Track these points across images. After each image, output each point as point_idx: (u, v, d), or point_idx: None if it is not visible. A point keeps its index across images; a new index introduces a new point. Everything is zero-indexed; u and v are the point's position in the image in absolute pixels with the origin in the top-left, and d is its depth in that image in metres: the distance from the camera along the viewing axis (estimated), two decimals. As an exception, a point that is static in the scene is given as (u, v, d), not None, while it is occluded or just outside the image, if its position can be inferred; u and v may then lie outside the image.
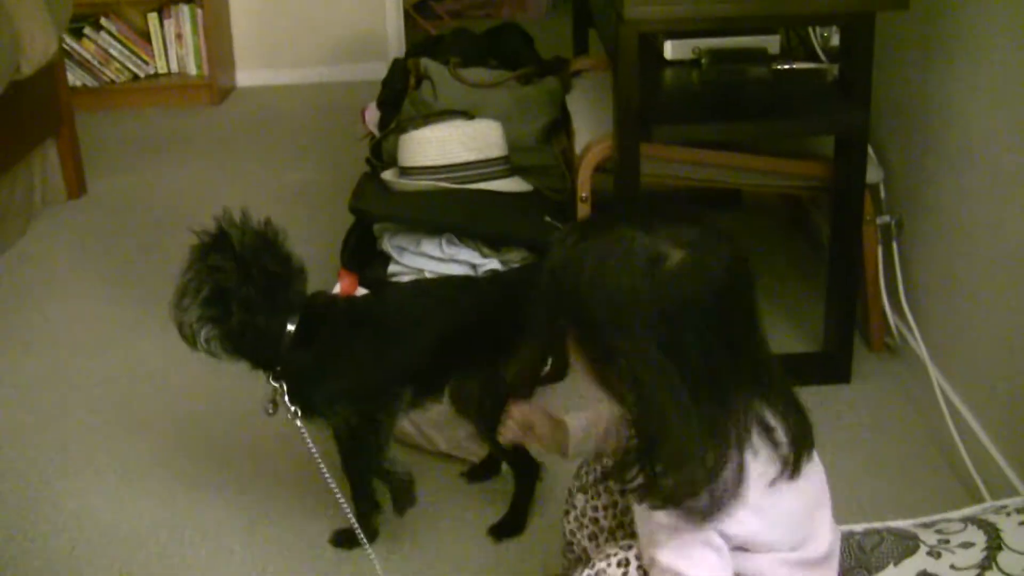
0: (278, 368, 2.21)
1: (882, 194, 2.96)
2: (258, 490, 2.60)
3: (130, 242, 3.88)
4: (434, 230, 2.88)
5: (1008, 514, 1.94)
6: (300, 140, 4.83)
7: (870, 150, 2.81)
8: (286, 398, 2.20)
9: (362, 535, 2.21)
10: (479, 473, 2.57)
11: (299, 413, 2.20)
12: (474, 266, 2.87)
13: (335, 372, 2.24)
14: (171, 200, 4.21)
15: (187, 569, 2.37)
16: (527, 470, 2.39)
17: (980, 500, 2.24)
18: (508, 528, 2.40)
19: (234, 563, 2.38)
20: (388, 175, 3.21)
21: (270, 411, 2.26)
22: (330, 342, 2.24)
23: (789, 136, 2.98)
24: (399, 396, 2.29)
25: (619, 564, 1.68)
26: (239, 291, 2.12)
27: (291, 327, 2.18)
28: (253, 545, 2.43)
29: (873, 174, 2.88)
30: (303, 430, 2.18)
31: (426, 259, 2.83)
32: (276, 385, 2.21)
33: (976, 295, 2.50)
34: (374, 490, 2.38)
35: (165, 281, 3.51)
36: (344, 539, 2.39)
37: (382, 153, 3.40)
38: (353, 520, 2.23)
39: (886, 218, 2.91)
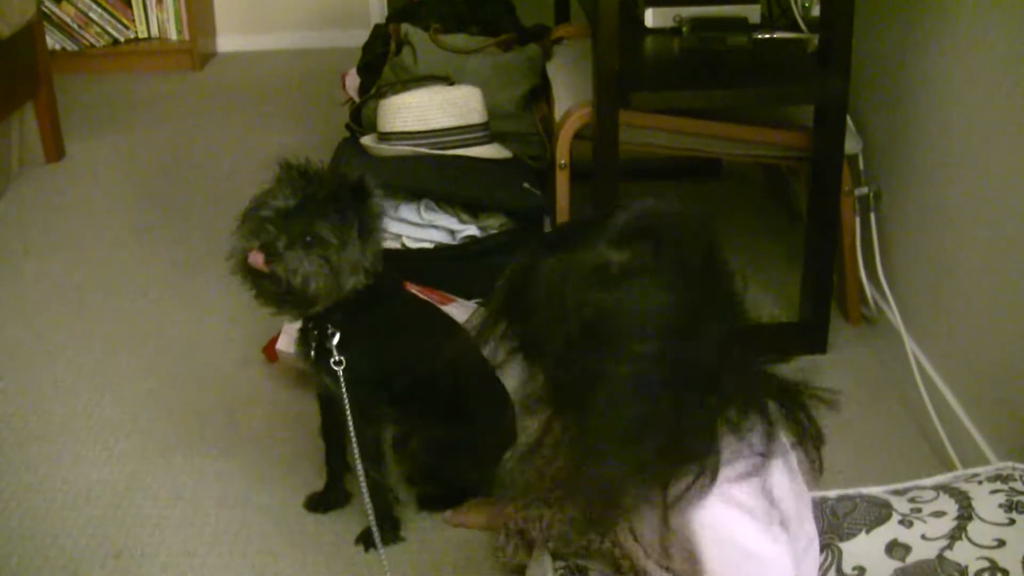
0: (338, 316, 2.15)
1: (861, 165, 2.97)
2: (233, 452, 2.60)
3: (107, 206, 3.86)
4: (413, 195, 2.87)
5: (980, 483, 1.95)
6: (280, 105, 4.82)
7: (849, 120, 2.81)
8: (335, 345, 2.14)
9: (377, 535, 2.18)
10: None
11: (343, 363, 2.14)
12: (452, 232, 2.86)
13: (376, 352, 2.20)
14: (150, 165, 4.19)
15: (161, 531, 2.37)
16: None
17: (952, 468, 2.25)
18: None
19: (208, 525, 2.38)
20: (367, 140, 3.20)
21: (311, 356, 2.20)
22: (386, 314, 2.20)
23: (768, 105, 2.98)
24: (374, 412, 2.27)
25: None
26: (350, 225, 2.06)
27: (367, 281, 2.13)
28: (227, 507, 2.43)
29: (852, 144, 2.88)
30: (343, 385, 2.14)
31: (404, 224, 2.83)
32: (326, 331, 2.16)
33: (952, 267, 2.51)
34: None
35: (141, 245, 3.54)
36: (365, 539, 2.33)
37: (362, 118, 3.39)
38: (371, 515, 2.18)
39: (864, 189, 2.91)
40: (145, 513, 2.42)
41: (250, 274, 2.08)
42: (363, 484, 2.16)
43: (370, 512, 2.16)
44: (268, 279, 2.06)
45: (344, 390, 2.13)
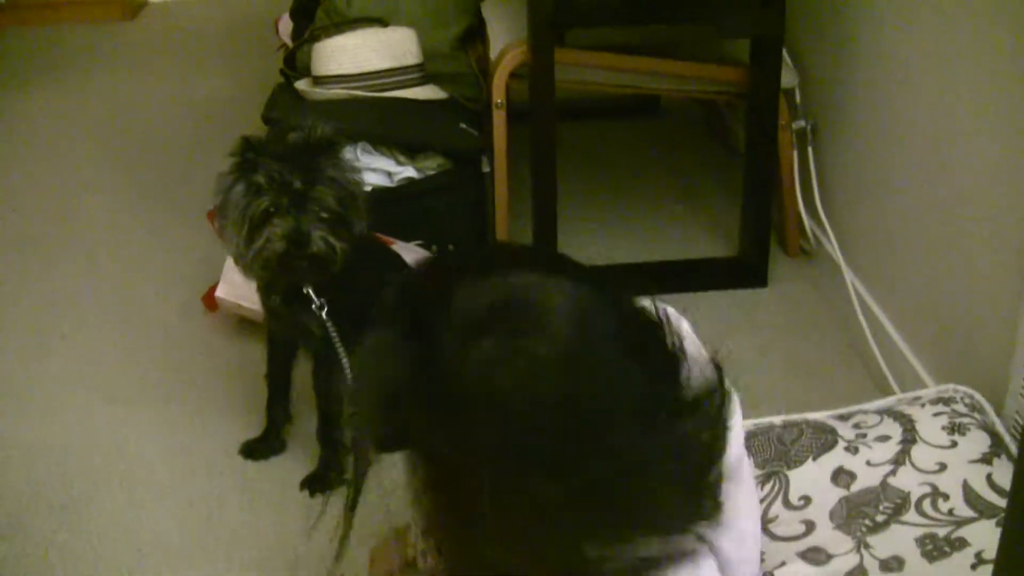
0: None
1: (797, 99, 2.97)
2: (175, 402, 2.58)
3: (42, 160, 3.81)
4: (349, 138, 2.84)
5: (923, 405, 1.97)
6: (214, 54, 4.76)
7: (785, 54, 2.81)
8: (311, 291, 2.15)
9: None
10: None
11: (325, 307, 2.14)
12: (390, 174, 2.85)
13: (349, 286, 2.18)
14: (84, 117, 4.13)
15: (106, 482, 2.36)
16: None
17: (892, 394, 2.27)
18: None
19: (155, 474, 2.38)
20: (302, 85, 3.17)
21: (277, 300, 2.20)
22: (355, 257, 2.18)
23: (704, 39, 2.98)
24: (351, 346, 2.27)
25: None
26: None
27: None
28: (171, 456, 2.42)
29: (788, 78, 2.88)
30: (331, 329, 2.13)
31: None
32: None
33: (888, 197, 2.52)
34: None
35: (77, 198, 3.50)
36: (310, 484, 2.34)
37: (296, 63, 3.36)
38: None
39: (802, 123, 2.92)
40: (89, 465, 2.41)
41: (282, 262, 2.07)
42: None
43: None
44: (304, 260, 2.07)
45: (332, 330, 2.13)
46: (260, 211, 2.03)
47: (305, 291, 2.14)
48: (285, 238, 2.03)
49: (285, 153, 2.06)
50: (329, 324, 2.13)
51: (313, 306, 2.13)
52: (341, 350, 2.13)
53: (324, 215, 2.05)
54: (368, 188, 2.80)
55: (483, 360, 1.08)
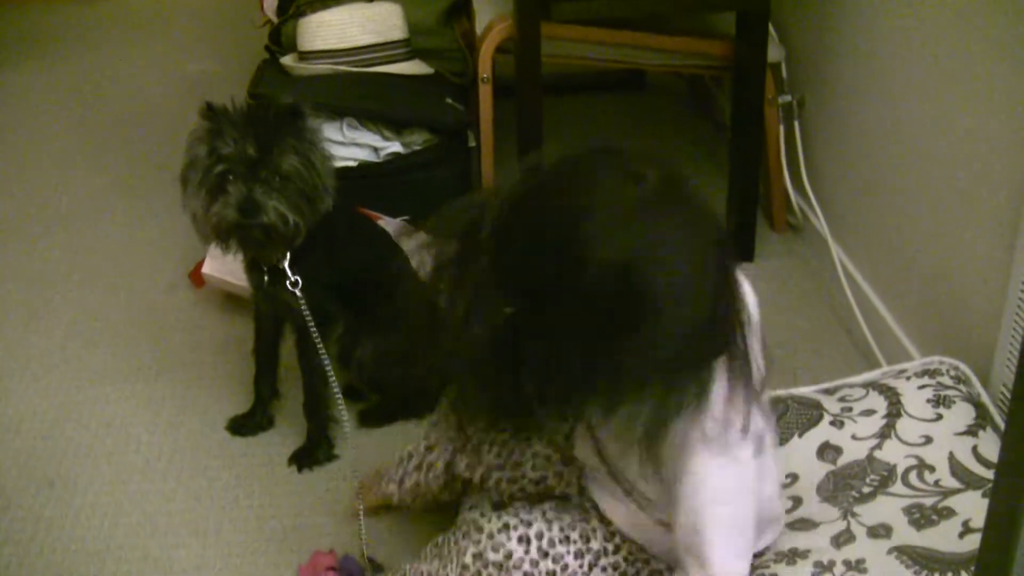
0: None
1: (784, 73, 2.97)
2: (162, 379, 2.58)
3: (24, 139, 3.79)
4: (335, 113, 2.83)
5: (908, 378, 1.98)
6: (198, 30, 4.73)
7: (771, 28, 2.80)
8: (286, 266, 2.13)
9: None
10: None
11: (300, 284, 2.13)
12: (376, 149, 2.84)
13: (323, 255, 2.19)
14: (66, 95, 4.10)
15: (94, 459, 2.36)
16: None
17: (879, 367, 2.27)
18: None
19: (141, 452, 2.37)
20: (288, 60, 3.16)
21: (265, 279, 2.19)
22: (328, 226, 2.18)
23: (691, 13, 2.97)
24: (337, 318, 2.28)
25: (520, 540, 1.67)
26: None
27: None
28: (158, 433, 2.42)
29: (775, 53, 2.88)
30: (302, 302, 2.12)
31: (327, 143, 2.79)
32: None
33: (875, 171, 2.52)
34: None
35: (61, 176, 3.49)
36: (298, 459, 2.35)
37: (281, 39, 3.34)
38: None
39: (788, 97, 2.92)
40: (76, 442, 2.40)
41: (236, 232, 2.06)
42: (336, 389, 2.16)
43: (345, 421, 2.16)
44: (257, 229, 2.05)
45: (304, 307, 2.13)
46: (215, 176, 2.03)
47: (280, 267, 2.13)
48: (236, 206, 2.02)
49: (245, 120, 2.05)
50: (302, 301, 2.12)
51: (288, 283, 2.13)
52: (314, 328, 2.13)
53: (278, 185, 2.03)
54: (353, 163, 2.81)
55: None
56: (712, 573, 1.47)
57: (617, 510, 1.69)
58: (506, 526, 1.67)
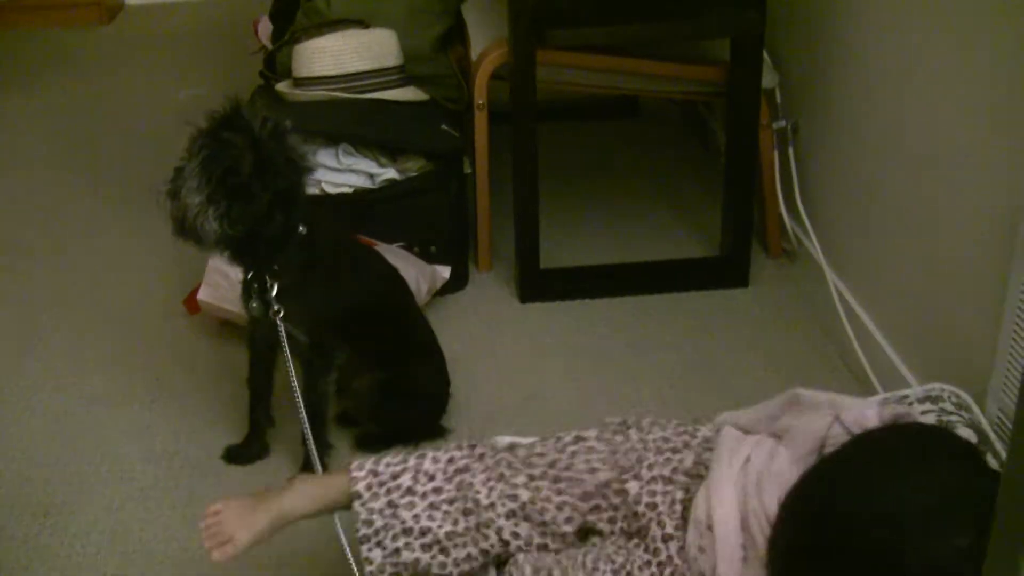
0: (275, 267, 2.13)
1: (778, 98, 2.98)
2: (157, 406, 2.57)
3: (21, 165, 3.79)
4: (330, 140, 2.84)
5: (911, 404, 1.97)
6: (193, 57, 4.74)
7: (765, 54, 2.81)
8: (273, 295, 2.12)
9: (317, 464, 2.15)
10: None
11: (282, 313, 2.11)
12: (371, 175, 2.84)
13: (321, 288, 2.20)
14: (64, 121, 4.11)
15: (89, 487, 2.35)
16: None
17: (874, 393, 2.27)
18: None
19: (135, 479, 2.37)
20: (282, 87, 3.16)
21: (254, 307, 2.18)
22: (326, 257, 2.19)
23: (685, 39, 2.98)
24: (338, 350, 2.28)
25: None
26: (260, 171, 2.01)
27: (303, 229, 2.12)
28: (153, 461, 2.41)
29: (769, 78, 2.89)
30: (282, 331, 2.11)
31: (323, 170, 2.79)
32: (264, 282, 2.14)
33: (870, 197, 2.53)
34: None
35: (57, 202, 3.49)
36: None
37: (276, 65, 3.35)
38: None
39: (782, 122, 2.93)
40: (71, 470, 2.40)
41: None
42: (305, 427, 2.11)
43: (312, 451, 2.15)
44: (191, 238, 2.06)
45: (283, 338, 2.11)
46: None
47: (267, 298, 2.13)
48: (171, 215, 2.04)
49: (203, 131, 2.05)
50: (281, 330, 2.11)
51: (270, 312, 2.12)
52: (289, 355, 2.11)
53: (198, 189, 2.01)
54: (349, 190, 2.81)
55: None
56: None
57: None
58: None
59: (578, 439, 1.77)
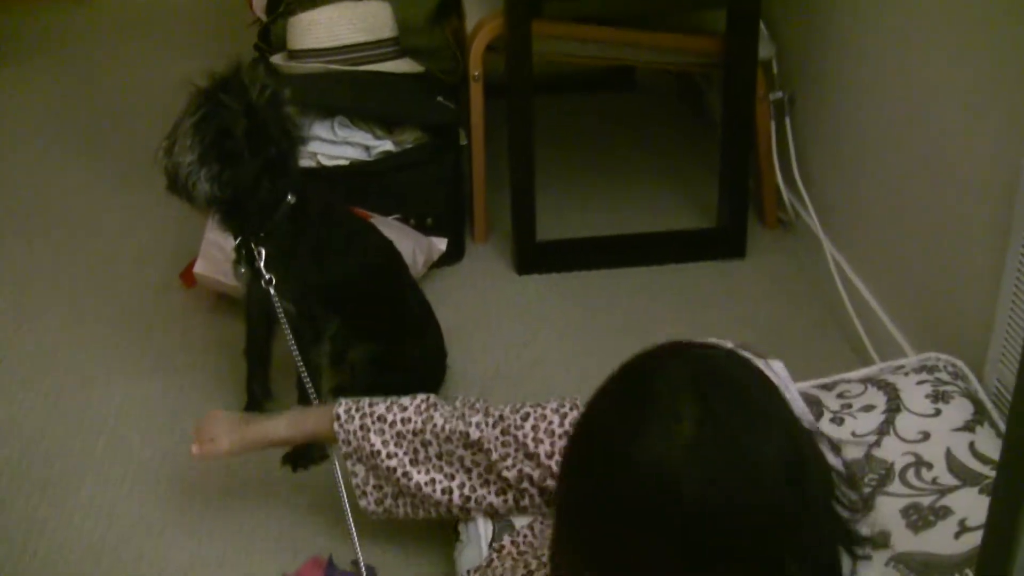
0: (263, 234, 2.13)
1: (774, 69, 2.97)
2: (154, 380, 2.57)
3: (11, 141, 3.77)
4: (326, 112, 2.83)
5: (906, 374, 1.98)
6: (186, 31, 4.71)
7: (762, 25, 2.80)
8: (262, 264, 2.12)
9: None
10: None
11: (273, 281, 2.12)
12: (367, 148, 2.83)
13: (310, 258, 2.19)
14: (55, 97, 4.09)
15: (87, 460, 2.35)
16: None
17: (871, 363, 2.27)
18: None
19: (134, 453, 2.37)
20: (277, 59, 3.15)
21: (243, 272, 2.19)
22: (315, 228, 2.19)
23: (681, 9, 2.97)
24: (329, 321, 2.27)
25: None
26: (253, 137, 2.02)
27: (291, 198, 2.13)
28: (151, 435, 2.41)
29: (765, 49, 2.88)
30: (276, 300, 2.12)
31: (319, 142, 2.79)
32: (253, 250, 2.14)
33: (866, 167, 2.52)
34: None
35: (50, 178, 3.48)
36: (292, 460, 2.35)
37: (270, 38, 3.33)
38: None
39: (779, 94, 2.92)
40: (69, 444, 2.40)
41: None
42: (308, 384, 2.15)
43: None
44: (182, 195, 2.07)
45: (278, 308, 2.12)
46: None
47: (257, 266, 2.13)
48: (165, 171, 2.05)
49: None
50: (275, 299, 2.12)
51: (262, 281, 2.13)
52: (286, 324, 2.12)
53: (190, 148, 2.02)
54: (345, 162, 2.80)
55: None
56: None
57: None
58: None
59: (536, 406, 1.86)
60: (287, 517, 2.20)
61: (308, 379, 2.14)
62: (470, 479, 1.88)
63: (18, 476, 2.31)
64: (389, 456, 1.90)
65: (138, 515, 2.22)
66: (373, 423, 1.91)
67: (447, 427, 1.87)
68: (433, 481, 1.89)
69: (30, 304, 2.86)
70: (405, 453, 1.89)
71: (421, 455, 1.89)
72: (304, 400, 2.25)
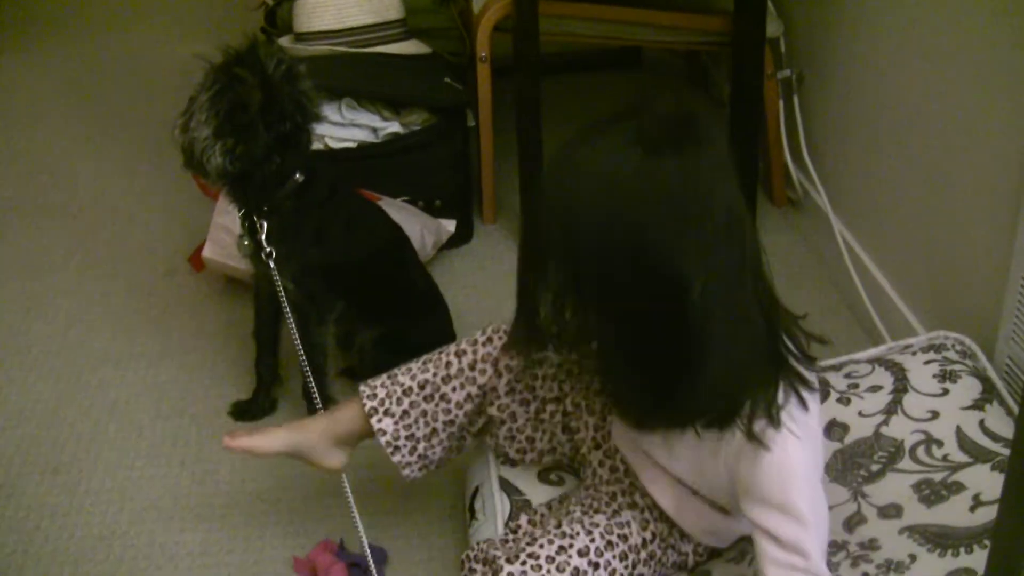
0: (266, 208, 2.13)
1: (782, 48, 2.95)
2: (164, 364, 2.58)
3: (20, 125, 3.77)
4: (333, 94, 2.82)
5: (914, 353, 1.97)
6: (192, 13, 4.71)
7: (769, 3, 2.79)
8: (263, 238, 2.12)
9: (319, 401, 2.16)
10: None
11: (273, 254, 2.11)
12: (375, 129, 2.83)
13: (311, 237, 2.19)
14: (64, 80, 4.09)
15: (97, 445, 2.35)
16: None
17: (882, 342, 2.27)
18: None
19: (144, 437, 2.37)
20: (284, 42, 3.14)
21: (245, 244, 2.18)
22: (319, 209, 2.18)
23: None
24: (332, 303, 2.27)
25: (580, 553, 1.66)
26: (268, 111, 2.02)
27: (299, 176, 2.12)
28: (161, 418, 2.42)
29: (773, 28, 2.87)
30: (278, 279, 2.11)
31: (327, 125, 2.78)
32: (255, 223, 2.14)
33: (875, 145, 2.51)
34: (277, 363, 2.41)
35: (59, 161, 3.47)
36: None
37: (277, 20, 3.32)
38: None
39: (787, 72, 2.90)
40: (79, 429, 2.40)
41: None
42: (306, 369, 2.14)
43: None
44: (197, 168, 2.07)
45: (279, 285, 2.11)
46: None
47: (258, 238, 2.13)
48: (181, 147, 2.04)
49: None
50: (274, 272, 2.11)
51: (263, 254, 2.12)
52: (284, 301, 2.11)
53: (206, 122, 2.01)
54: (352, 144, 2.80)
55: None
56: (806, 522, 1.45)
57: (665, 493, 1.69)
58: (562, 549, 1.66)
59: None
60: (297, 501, 2.20)
61: (307, 368, 2.12)
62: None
63: (28, 462, 2.32)
64: (422, 385, 1.88)
65: (149, 500, 2.22)
66: (398, 370, 1.90)
67: (468, 350, 1.88)
68: (470, 396, 1.87)
69: (39, 289, 2.86)
70: (435, 374, 1.87)
71: (453, 368, 1.88)
72: (315, 382, 2.26)
